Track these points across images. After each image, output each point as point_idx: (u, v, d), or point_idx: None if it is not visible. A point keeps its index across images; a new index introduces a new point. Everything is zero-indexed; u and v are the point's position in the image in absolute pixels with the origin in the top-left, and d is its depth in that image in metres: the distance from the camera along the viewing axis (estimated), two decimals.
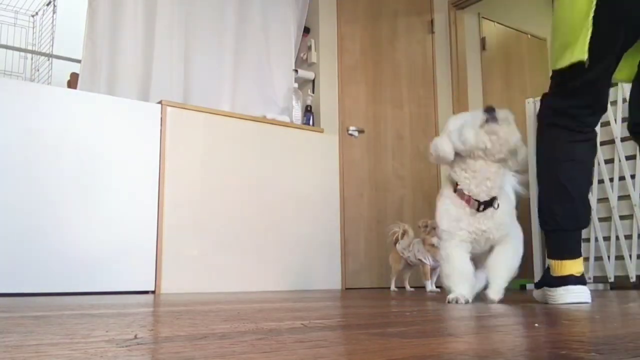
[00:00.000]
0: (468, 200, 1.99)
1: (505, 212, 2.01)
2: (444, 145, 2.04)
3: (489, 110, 1.97)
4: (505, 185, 2.06)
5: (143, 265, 2.92)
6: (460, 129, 2.01)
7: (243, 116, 3.46)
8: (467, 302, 1.99)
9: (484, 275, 2.17)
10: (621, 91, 3.03)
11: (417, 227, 3.22)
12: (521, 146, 2.02)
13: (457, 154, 2.03)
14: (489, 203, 1.98)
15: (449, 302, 1.97)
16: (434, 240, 2.88)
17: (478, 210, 1.97)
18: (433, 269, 3.11)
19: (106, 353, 0.69)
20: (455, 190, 2.04)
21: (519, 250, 2.05)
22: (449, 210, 2.03)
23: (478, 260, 2.14)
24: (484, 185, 1.98)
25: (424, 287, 3.24)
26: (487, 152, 1.96)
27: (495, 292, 1.96)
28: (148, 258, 2.94)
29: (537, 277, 3.37)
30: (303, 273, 3.51)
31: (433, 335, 0.91)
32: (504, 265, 2.00)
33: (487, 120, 1.96)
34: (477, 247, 2.04)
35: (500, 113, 1.97)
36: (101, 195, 2.86)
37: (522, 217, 3.63)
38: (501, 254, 2.01)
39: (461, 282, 1.97)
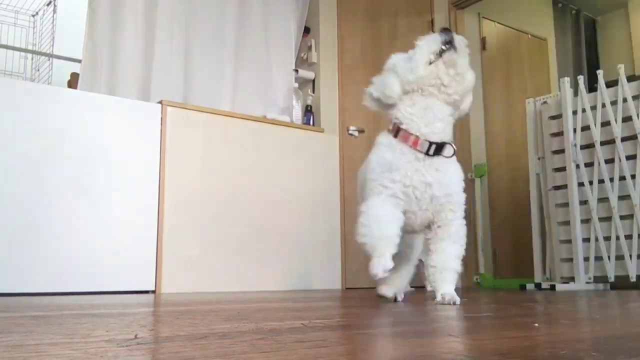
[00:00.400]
0: (415, 141, 1.63)
1: (454, 174, 1.67)
2: (389, 83, 1.70)
3: (446, 32, 1.64)
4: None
5: (143, 265, 2.92)
6: (410, 56, 1.69)
7: (243, 116, 3.46)
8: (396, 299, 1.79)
9: (409, 271, 1.90)
10: (621, 91, 3.02)
11: None
12: (470, 90, 1.72)
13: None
14: (440, 148, 1.64)
15: (378, 295, 1.73)
16: None
17: (427, 153, 1.62)
18: None
19: (106, 353, 0.69)
20: (396, 135, 1.68)
21: (463, 245, 1.72)
22: (385, 157, 1.68)
23: (405, 248, 1.78)
24: (435, 127, 1.63)
25: (424, 287, 3.24)
26: (441, 89, 1.64)
27: (448, 284, 1.66)
28: (148, 258, 2.94)
29: (538, 276, 3.38)
30: (303, 273, 3.51)
31: (433, 335, 0.91)
32: (452, 254, 1.68)
33: (445, 47, 1.63)
34: (412, 215, 1.65)
35: (458, 38, 1.65)
36: (101, 195, 2.86)
37: (522, 215, 3.65)
38: (445, 246, 1.68)
39: (384, 244, 1.60)
